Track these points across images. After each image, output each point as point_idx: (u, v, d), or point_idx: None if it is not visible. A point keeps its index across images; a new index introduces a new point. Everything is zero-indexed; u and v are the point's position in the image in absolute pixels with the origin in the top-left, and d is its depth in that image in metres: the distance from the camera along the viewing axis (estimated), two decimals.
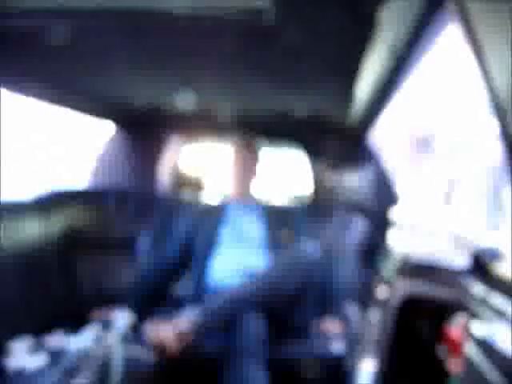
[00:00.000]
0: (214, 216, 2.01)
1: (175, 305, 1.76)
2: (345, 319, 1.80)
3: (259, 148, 2.12)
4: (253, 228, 1.98)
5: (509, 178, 1.05)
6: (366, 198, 2.30)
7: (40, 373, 1.19)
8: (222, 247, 1.90)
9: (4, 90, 1.75)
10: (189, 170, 2.65)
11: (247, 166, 2.05)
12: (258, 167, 2.08)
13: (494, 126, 1.01)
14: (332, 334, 1.74)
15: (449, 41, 1.20)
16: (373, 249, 2.08)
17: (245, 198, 2.06)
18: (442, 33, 1.14)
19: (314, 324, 1.80)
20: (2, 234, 1.62)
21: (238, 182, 2.04)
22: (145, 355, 1.46)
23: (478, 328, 1.01)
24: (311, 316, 1.82)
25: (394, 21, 1.09)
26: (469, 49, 0.93)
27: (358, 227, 2.20)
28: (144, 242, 2.14)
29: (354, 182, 2.33)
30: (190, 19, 1.12)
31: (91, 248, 2.06)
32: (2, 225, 1.64)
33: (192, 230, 1.96)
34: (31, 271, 1.73)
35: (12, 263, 1.65)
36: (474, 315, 1.06)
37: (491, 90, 0.93)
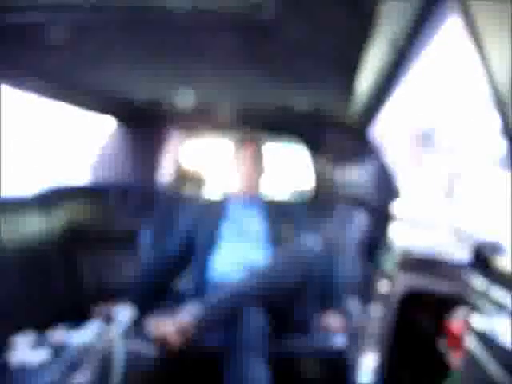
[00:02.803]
0: (216, 211, 2.01)
1: (176, 299, 1.77)
2: (346, 313, 1.80)
3: (263, 143, 2.12)
4: (254, 223, 1.98)
5: (510, 171, 1.05)
6: (367, 193, 2.30)
7: (42, 367, 1.19)
8: (223, 242, 1.90)
9: (5, 86, 1.75)
10: (190, 165, 2.65)
11: (253, 162, 2.04)
12: (265, 163, 2.08)
13: (495, 120, 1.01)
14: (333, 329, 1.75)
15: (450, 34, 1.19)
16: (374, 243, 2.08)
17: (252, 193, 2.05)
18: (443, 26, 1.14)
19: (315, 318, 1.80)
20: (3, 230, 1.63)
21: (246, 178, 2.04)
22: (146, 350, 1.47)
23: (479, 321, 1.01)
24: (312, 310, 1.83)
25: (394, 14, 1.09)
26: (470, 42, 0.92)
27: (359, 222, 2.20)
28: (145, 238, 2.14)
29: (355, 176, 2.33)
30: (191, 15, 1.12)
31: (93, 244, 2.06)
32: (4, 221, 1.65)
33: (193, 225, 1.97)
34: (33, 267, 1.74)
35: (14, 259, 1.65)
36: (474, 309, 1.06)
37: (492, 83, 0.93)
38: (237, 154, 2.04)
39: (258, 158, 2.06)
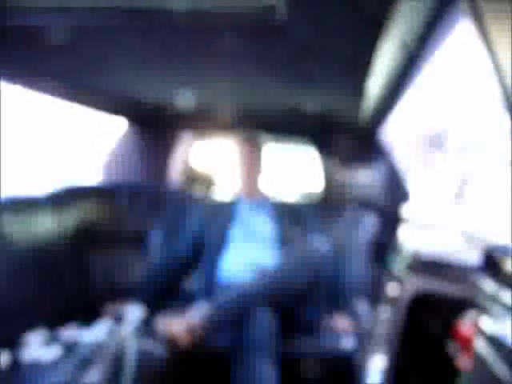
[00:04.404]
0: (225, 212, 2.02)
1: (187, 299, 1.78)
2: (354, 315, 1.80)
3: (263, 144, 2.12)
4: (264, 225, 1.98)
5: None
6: (377, 195, 2.29)
7: (54, 364, 1.21)
8: (233, 243, 1.91)
9: (18, 87, 1.77)
10: (200, 166, 2.66)
11: (251, 163, 2.05)
12: (263, 163, 2.09)
13: (506, 124, 1.00)
14: (342, 331, 1.75)
15: (461, 37, 1.19)
16: (384, 246, 2.07)
17: (253, 194, 2.06)
18: (455, 29, 1.14)
19: (323, 319, 1.81)
20: (16, 230, 1.64)
21: (244, 179, 2.05)
22: (157, 349, 1.48)
23: (489, 324, 1.01)
24: (321, 312, 1.83)
25: (406, 17, 1.09)
26: (481, 46, 0.92)
27: (369, 223, 2.20)
28: (156, 238, 2.16)
29: (365, 178, 2.33)
30: (202, 17, 1.13)
31: (104, 243, 2.08)
32: (17, 220, 1.66)
33: (203, 226, 1.98)
34: (45, 266, 1.76)
35: (26, 258, 1.67)
36: (484, 311, 1.06)
37: (503, 87, 0.93)
38: (235, 154, 2.05)
39: (254, 158, 2.06)
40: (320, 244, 1.77)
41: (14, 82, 1.73)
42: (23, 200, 1.80)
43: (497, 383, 0.88)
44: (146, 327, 1.53)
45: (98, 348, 1.23)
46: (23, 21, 1.18)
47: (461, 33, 1.12)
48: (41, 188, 1.95)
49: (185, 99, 1.98)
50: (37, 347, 1.28)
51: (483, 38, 0.89)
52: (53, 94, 1.93)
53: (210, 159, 2.69)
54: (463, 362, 1.12)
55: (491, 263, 1.15)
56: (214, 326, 1.57)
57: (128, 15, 1.16)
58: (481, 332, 1.02)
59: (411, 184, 2.32)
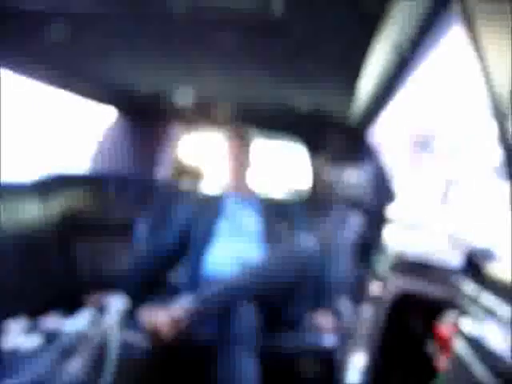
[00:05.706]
0: (213, 206, 2.01)
1: (171, 292, 1.77)
2: (337, 313, 1.81)
3: (252, 139, 2.12)
4: (250, 220, 1.98)
5: (507, 179, 1.06)
6: (363, 195, 2.31)
7: (34, 353, 1.20)
8: (219, 237, 1.91)
9: (7, 72, 1.75)
10: (188, 159, 2.66)
11: (240, 158, 2.05)
12: (251, 157, 2.08)
13: (493, 129, 1.01)
14: (324, 328, 1.76)
15: (453, 42, 1.20)
16: (368, 245, 2.09)
17: (241, 189, 2.06)
18: (447, 34, 1.15)
19: (306, 317, 1.82)
20: (1, 216, 1.63)
21: (233, 173, 2.05)
22: (139, 340, 1.47)
23: (468, 326, 1.02)
24: (304, 309, 1.84)
25: (399, 19, 1.10)
26: (472, 50, 0.93)
27: (355, 223, 2.21)
28: (142, 228, 2.15)
29: (352, 177, 2.34)
30: (199, 12, 1.12)
31: (90, 232, 2.06)
32: (3, 207, 1.65)
33: (190, 219, 1.97)
34: (29, 254, 1.74)
35: (10, 245, 1.65)
36: (464, 313, 1.08)
37: (492, 93, 0.94)
38: (224, 148, 2.05)
39: (243, 153, 2.06)
40: (305, 242, 1.78)
41: (5, 67, 1.71)
42: (9, 187, 1.78)
43: (473, 382, 0.90)
44: (130, 318, 1.53)
45: (79, 338, 1.23)
46: (16, 6, 1.17)
47: (453, 36, 1.13)
48: (28, 175, 1.93)
49: (176, 92, 1.97)
50: (17, 335, 1.27)
51: (474, 43, 0.90)
52: (43, 81, 1.91)
53: (199, 152, 2.69)
54: (442, 362, 1.14)
55: (473, 266, 1.16)
56: (197, 319, 1.57)
57: (126, 6, 1.15)
58: (460, 333, 1.04)
59: (398, 185, 2.34)
